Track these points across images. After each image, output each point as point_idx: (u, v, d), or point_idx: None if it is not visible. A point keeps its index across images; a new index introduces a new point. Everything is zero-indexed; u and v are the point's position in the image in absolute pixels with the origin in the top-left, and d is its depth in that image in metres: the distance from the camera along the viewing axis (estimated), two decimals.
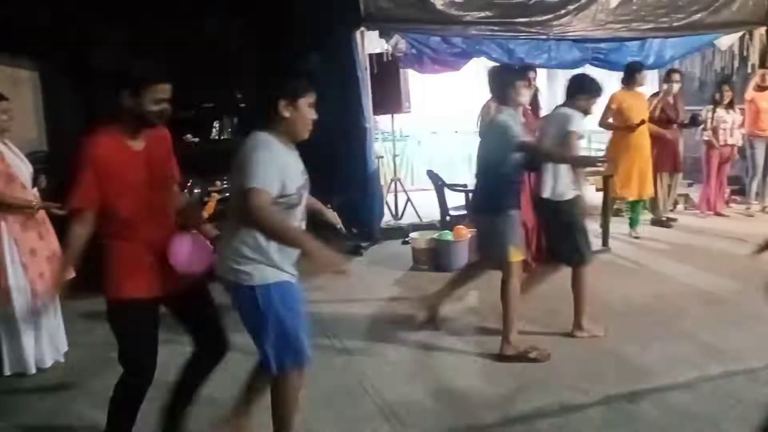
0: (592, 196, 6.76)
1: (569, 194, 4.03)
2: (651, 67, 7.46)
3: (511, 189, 3.82)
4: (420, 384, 3.55)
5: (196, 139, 6.41)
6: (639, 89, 6.47)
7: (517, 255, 3.80)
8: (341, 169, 6.61)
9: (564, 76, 8.69)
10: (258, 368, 2.71)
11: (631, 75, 6.34)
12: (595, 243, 6.25)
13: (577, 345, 4.05)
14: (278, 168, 2.36)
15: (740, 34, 7.97)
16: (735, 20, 7.79)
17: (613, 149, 6.45)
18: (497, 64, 4.35)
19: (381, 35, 6.57)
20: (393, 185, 7.52)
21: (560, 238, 4.09)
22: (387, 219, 7.16)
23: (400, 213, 7.39)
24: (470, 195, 4.26)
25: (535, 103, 5.61)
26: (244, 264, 2.43)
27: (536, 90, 5.56)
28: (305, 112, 2.49)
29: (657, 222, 7.13)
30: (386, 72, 6.71)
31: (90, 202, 2.43)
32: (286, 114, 2.45)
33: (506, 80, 3.82)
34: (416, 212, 7.28)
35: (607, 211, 6.28)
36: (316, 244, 2.32)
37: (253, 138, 2.45)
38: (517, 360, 3.75)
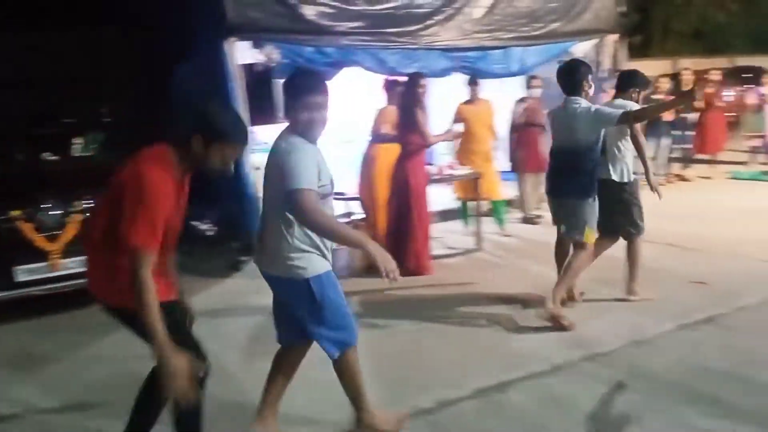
0: (450, 201, 7.10)
1: (631, 177, 4.64)
2: (515, 74, 7.88)
3: (595, 175, 4.37)
4: (297, 392, 3.52)
5: (56, 157, 5.99)
6: (483, 98, 7.06)
7: (591, 237, 4.39)
8: (217, 182, 6.44)
9: (436, 84, 9.10)
10: (282, 356, 2.97)
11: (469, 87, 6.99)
12: (468, 243, 6.58)
13: (451, 339, 4.20)
14: (314, 163, 2.61)
15: (594, 41, 8.59)
16: (589, 28, 8.36)
17: (462, 156, 6.87)
18: (569, 60, 4.82)
19: (255, 45, 6.50)
20: None
21: (621, 215, 4.64)
22: None
23: None
24: (551, 179, 4.66)
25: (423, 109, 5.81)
26: (297, 258, 2.65)
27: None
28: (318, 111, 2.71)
29: (526, 220, 7.55)
30: (259, 83, 6.65)
31: (159, 243, 2.33)
32: (303, 116, 2.67)
33: (581, 74, 4.32)
34: None
35: (466, 213, 6.93)
36: (371, 242, 2.55)
37: (285, 141, 2.68)
38: (550, 320, 4.25)
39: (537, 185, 7.66)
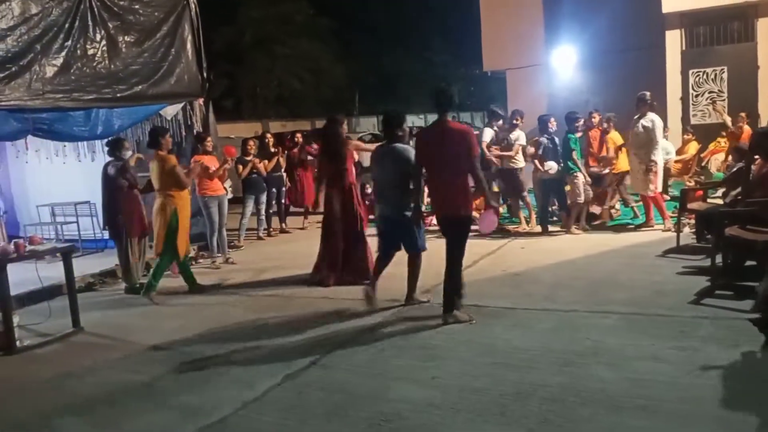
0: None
1: None
2: (100, 137, 7.41)
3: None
4: None
5: None
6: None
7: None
8: None
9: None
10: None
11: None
12: (66, 325, 5.78)
13: None
14: None
15: (182, 104, 8.66)
16: (175, 92, 8.40)
17: None
18: None
19: None
20: None
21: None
22: None
23: None
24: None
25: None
26: None
27: None
28: None
29: (130, 290, 7.01)
30: None
31: None
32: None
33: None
34: None
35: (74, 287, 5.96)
36: None
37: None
38: None
39: (143, 250, 7.24)
